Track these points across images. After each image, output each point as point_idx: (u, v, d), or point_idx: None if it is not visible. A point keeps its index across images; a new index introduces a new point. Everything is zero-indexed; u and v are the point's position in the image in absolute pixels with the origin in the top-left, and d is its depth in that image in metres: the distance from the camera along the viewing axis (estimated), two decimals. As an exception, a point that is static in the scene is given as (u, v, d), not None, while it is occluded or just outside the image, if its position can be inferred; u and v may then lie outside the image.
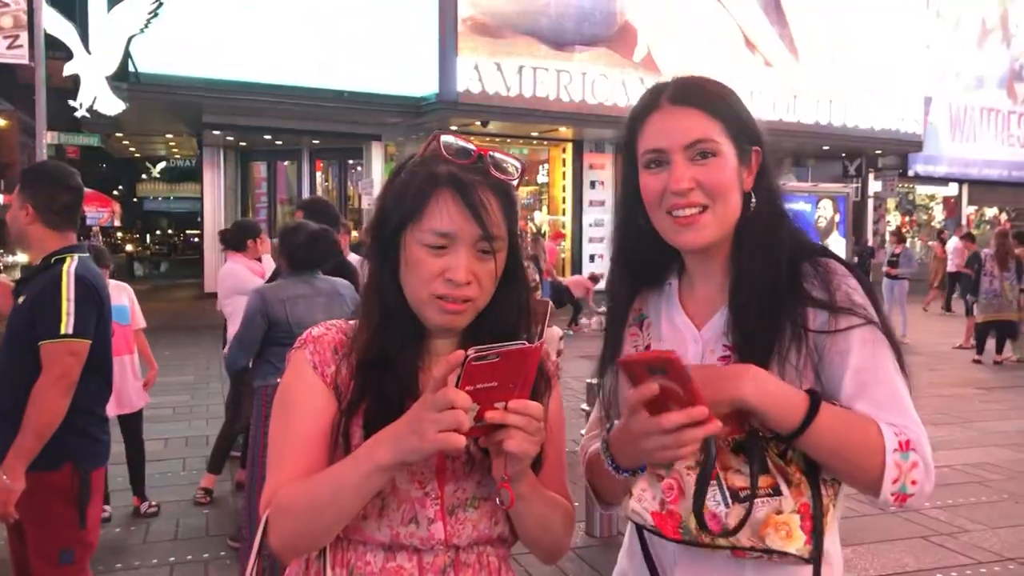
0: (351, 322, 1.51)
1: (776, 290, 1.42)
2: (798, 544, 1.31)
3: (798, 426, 1.31)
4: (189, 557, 4.89)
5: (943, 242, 20.61)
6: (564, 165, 21.14)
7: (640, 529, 1.52)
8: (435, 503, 1.38)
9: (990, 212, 28.69)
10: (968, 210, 28.04)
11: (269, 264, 6.21)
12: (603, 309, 1.91)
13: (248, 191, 20.95)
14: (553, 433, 1.47)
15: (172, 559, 4.86)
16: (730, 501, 1.33)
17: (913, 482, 1.34)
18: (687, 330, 1.54)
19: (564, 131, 19.75)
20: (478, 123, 17.87)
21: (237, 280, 5.94)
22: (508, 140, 20.30)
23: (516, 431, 1.24)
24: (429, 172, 1.40)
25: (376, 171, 18.63)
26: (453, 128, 18.51)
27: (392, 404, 1.37)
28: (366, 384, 1.40)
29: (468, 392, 1.19)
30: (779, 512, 1.32)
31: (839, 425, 1.33)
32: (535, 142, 20.78)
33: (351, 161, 20.26)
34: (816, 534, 1.32)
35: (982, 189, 27.44)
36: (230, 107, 16.33)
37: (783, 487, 1.33)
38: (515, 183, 1.45)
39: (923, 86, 23.71)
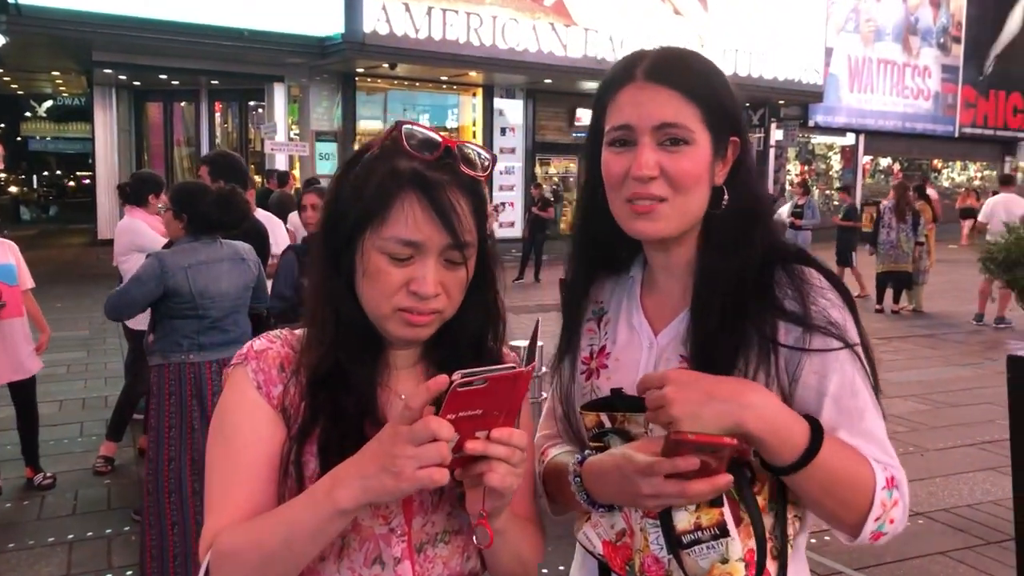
0: (297, 332, 1.33)
1: (742, 294, 1.29)
2: None
3: (796, 460, 1.20)
4: (90, 533, 4.62)
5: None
6: (474, 111, 20.82)
7: None
8: (401, 540, 1.24)
9: (884, 162, 29.60)
10: (864, 160, 28.89)
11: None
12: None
13: (143, 132, 20.02)
14: None
15: (71, 536, 4.59)
16: (673, 545, 1.24)
17: (891, 520, 1.26)
18: (643, 333, 1.42)
19: (474, 76, 19.43)
20: (385, 66, 17.44)
21: (137, 237, 5.60)
22: (417, 84, 19.90)
23: (498, 463, 1.09)
24: (390, 169, 1.22)
25: (279, 114, 18.02)
26: (359, 70, 18.04)
27: (350, 426, 1.22)
28: (319, 405, 1.24)
29: (449, 421, 1.04)
30: (724, 561, 1.21)
31: (837, 460, 1.22)
32: (444, 86, 20.39)
33: (252, 103, 19.54)
34: None
35: (877, 139, 28.24)
36: (122, 44, 15.48)
37: (731, 526, 1.22)
38: (484, 177, 1.28)
39: (825, 37, 24.15)
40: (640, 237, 1.36)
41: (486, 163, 1.27)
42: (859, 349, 1.29)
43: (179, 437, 3.87)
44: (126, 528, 4.69)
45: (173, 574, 3.80)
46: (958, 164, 31.02)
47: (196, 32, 15.46)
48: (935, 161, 30.41)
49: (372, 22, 16.40)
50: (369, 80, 19.02)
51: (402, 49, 16.89)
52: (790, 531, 1.29)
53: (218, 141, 19.48)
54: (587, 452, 1.36)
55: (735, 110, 1.34)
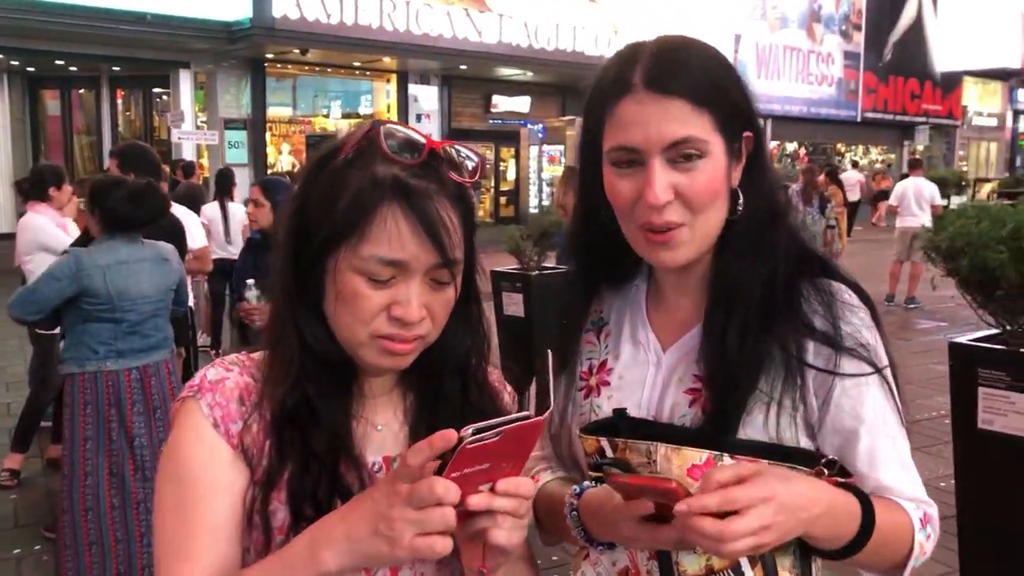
0: (256, 356, 1.16)
1: (769, 307, 1.18)
2: None
3: (847, 544, 1.11)
4: (-4, 554, 4.30)
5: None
6: (388, 97, 20.46)
7: None
8: None
9: (791, 147, 30.27)
10: (771, 144, 29.49)
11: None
12: None
13: (39, 122, 19.06)
14: None
15: (-25, 558, 4.26)
16: None
17: (924, 553, 1.21)
18: (650, 349, 1.29)
19: (388, 62, 19.08)
20: (296, 51, 16.97)
21: (39, 234, 5.25)
22: (329, 70, 19.46)
23: (504, 518, 0.95)
24: (368, 176, 1.06)
25: (185, 101, 17.32)
26: (269, 56, 17.53)
27: (323, 469, 1.07)
28: (286, 444, 1.08)
29: (453, 479, 0.90)
30: None
31: (885, 527, 1.14)
32: (357, 72, 19.98)
33: (156, 89, 18.77)
34: None
35: (784, 125, 28.78)
36: (14, 27, 14.60)
37: (745, 567, 1.14)
38: (472, 182, 1.13)
39: (733, 24, 24.53)
40: (661, 267, 1.24)
41: (474, 166, 1.12)
42: (888, 372, 1.20)
43: (96, 450, 3.62)
44: (36, 547, 4.38)
45: (92, 596, 3.56)
46: (860, 148, 31.93)
47: (95, 15, 14.70)
48: (839, 145, 31.23)
49: (282, 6, 15.90)
50: (279, 66, 18.50)
51: (313, 34, 16.42)
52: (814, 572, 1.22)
53: (121, 130, 18.69)
54: (586, 484, 1.24)
55: (747, 103, 1.21)
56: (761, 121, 1.25)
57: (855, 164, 26.26)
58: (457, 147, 1.12)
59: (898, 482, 1.20)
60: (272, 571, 1.00)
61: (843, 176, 21.10)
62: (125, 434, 3.65)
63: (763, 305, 1.18)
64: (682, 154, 1.14)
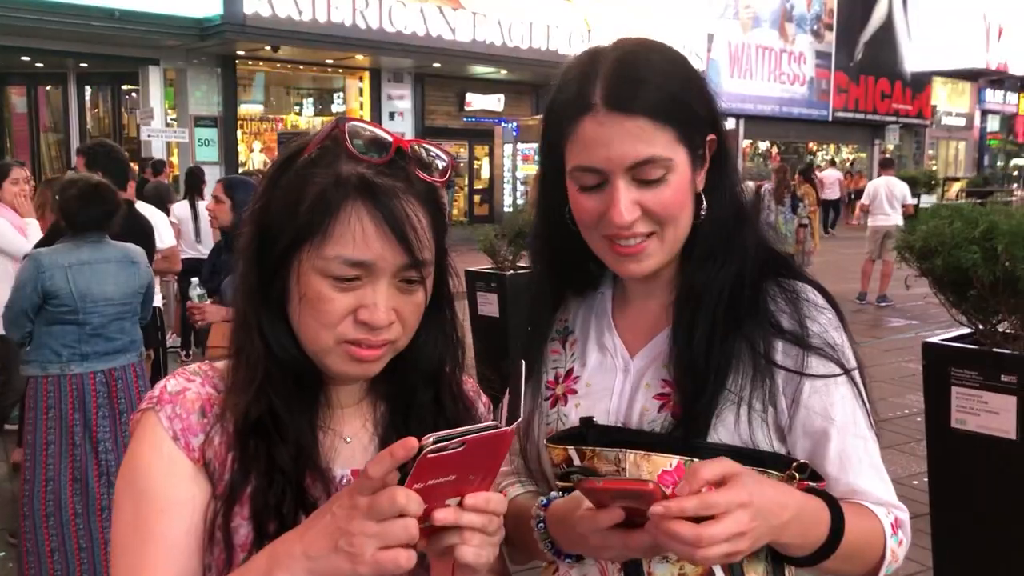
0: (219, 366, 1.12)
1: (736, 307, 1.16)
2: None
3: (816, 550, 1.10)
4: (-41, 561, 4.22)
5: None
6: (361, 95, 20.35)
7: None
8: None
9: (763, 145, 30.46)
10: (744, 143, 29.67)
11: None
12: None
13: (4, 118, 18.75)
14: None
15: (-63, 565, 4.18)
16: None
17: (896, 559, 1.20)
18: (618, 356, 1.26)
19: (361, 59, 18.97)
20: (268, 48, 16.82)
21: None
22: (301, 67, 19.32)
23: (472, 534, 0.91)
24: (332, 174, 1.02)
25: (155, 99, 17.12)
26: (240, 53, 17.36)
27: (288, 483, 1.02)
28: (250, 458, 1.03)
29: (416, 490, 0.86)
30: None
31: (855, 533, 1.12)
32: (330, 70, 19.85)
33: (125, 87, 18.54)
34: None
35: (756, 124, 28.95)
36: (-22, 23, 14.42)
37: (719, 573, 1.12)
38: (443, 182, 1.10)
39: (706, 23, 24.63)
40: (629, 277, 1.22)
41: (444, 166, 1.08)
42: (856, 374, 1.19)
43: (58, 455, 3.54)
44: (1, 553, 4.29)
45: (55, 604, 3.48)
46: (832, 147, 32.19)
47: (63, 11, 14.47)
48: (810, 144, 31.47)
49: (253, 3, 15.73)
50: (251, 63, 18.34)
51: (285, 31, 16.28)
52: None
53: (89, 128, 18.44)
54: (553, 494, 1.20)
55: (709, 108, 1.19)
56: (731, 121, 1.24)
57: (833, 163, 26.59)
58: (426, 146, 1.08)
59: (870, 486, 1.19)
60: None
61: (823, 175, 21.58)
62: (90, 439, 3.57)
63: (730, 306, 1.17)
64: (645, 173, 1.13)
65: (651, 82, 1.13)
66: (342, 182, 1.02)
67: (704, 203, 1.19)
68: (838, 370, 1.17)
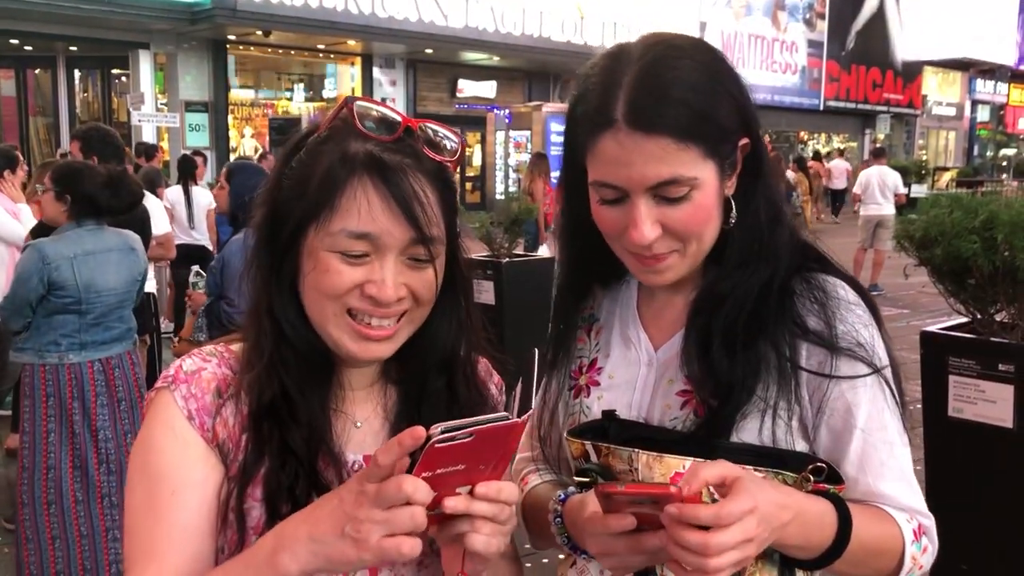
0: (235, 348, 1.12)
1: (759, 312, 1.14)
2: None
3: (822, 553, 1.08)
4: (-46, 547, 4.19)
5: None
6: (352, 81, 20.25)
7: None
8: None
9: (755, 134, 30.46)
10: (736, 132, 29.60)
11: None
12: None
13: (-8, 103, 18.60)
14: None
15: (-67, 552, 4.15)
16: None
17: (920, 567, 1.17)
18: (642, 349, 1.25)
19: (352, 44, 18.87)
20: (259, 33, 16.72)
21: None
22: (292, 52, 19.19)
23: (483, 523, 0.92)
24: (340, 152, 1.04)
25: (145, 83, 17.00)
26: (231, 37, 17.24)
27: (301, 466, 1.03)
28: (263, 439, 1.04)
29: (425, 479, 0.86)
30: None
31: (864, 534, 1.10)
32: (321, 55, 19.74)
33: (115, 71, 18.40)
34: None
35: (749, 112, 28.99)
36: (-34, 5, 14.26)
37: None
38: (453, 163, 1.10)
39: (698, 11, 24.59)
40: (652, 286, 1.22)
41: (454, 146, 1.09)
42: (888, 372, 1.16)
43: (59, 442, 3.53)
44: (-3, 540, 4.28)
45: (55, 591, 3.48)
46: (823, 136, 32.21)
47: (52, -6, 14.38)
48: (802, 133, 31.49)
49: (244, -14, 15.66)
50: (241, 48, 18.22)
51: (276, 15, 16.17)
52: None
53: (78, 112, 18.30)
54: (570, 490, 1.20)
55: (740, 115, 1.13)
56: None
57: (841, 153, 26.76)
58: (435, 126, 1.09)
59: (892, 490, 1.16)
60: (235, 572, 0.97)
61: (831, 165, 21.80)
62: (89, 427, 3.56)
63: (754, 311, 1.15)
64: (668, 192, 1.10)
65: (677, 98, 1.08)
66: (349, 158, 1.03)
67: (733, 209, 1.16)
68: (865, 370, 1.14)
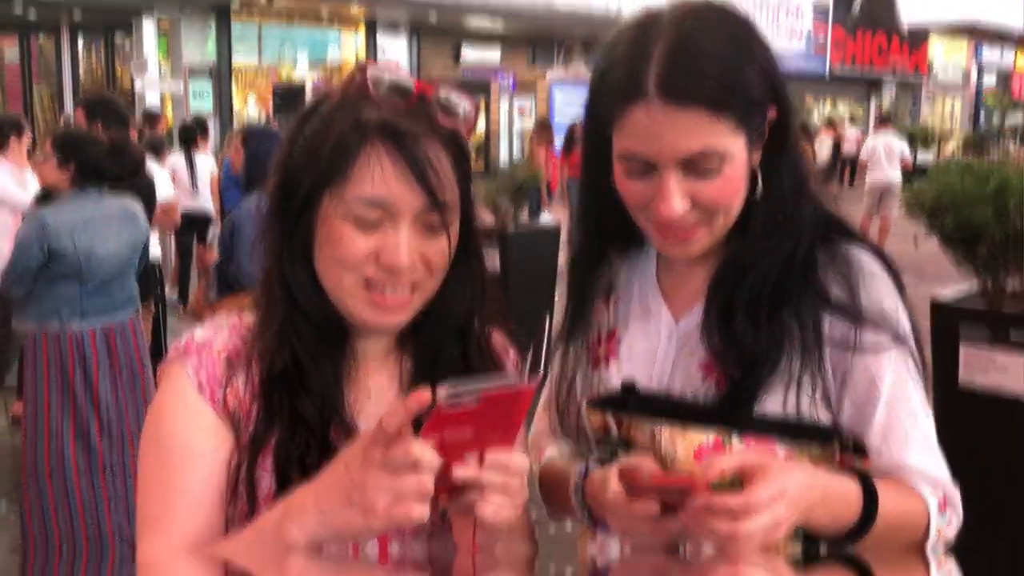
0: (248, 319, 1.11)
1: (783, 283, 1.13)
2: None
3: (850, 531, 1.07)
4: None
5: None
6: (356, 47, 20.12)
7: None
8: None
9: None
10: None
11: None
12: None
13: (-5, 69, 18.54)
14: None
15: (-63, 520, 4.15)
16: None
17: (946, 539, 1.16)
18: (662, 321, 1.23)
19: (356, 11, 18.71)
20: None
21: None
22: (296, 18, 19.05)
23: (493, 492, 0.90)
24: (353, 119, 1.02)
25: (148, 49, 16.90)
26: (234, 4, 17.09)
27: (312, 435, 1.02)
28: (274, 408, 1.03)
29: (433, 445, 0.85)
30: None
31: (892, 513, 1.09)
32: (324, 22, 19.58)
33: (119, 38, 18.29)
34: None
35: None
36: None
37: None
38: (467, 129, 1.09)
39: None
40: (674, 258, 1.20)
41: (468, 112, 1.07)
42: (911, 342, 1.15)
43: (60, 411, 3.53)
44: (2, 509, 4.28)
45: (59, 559, 3.50)
46: (828, 102, 31.99)
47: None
48: (807, 99, 31.26)
49: (246, -48, 15.53)
50: (244, 14, 18.08)
51: (279, -19, 16.08)
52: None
53: (82, 79, 18.21)
54: (592, 464, 1.18)
55: (769, 84, 1.11)
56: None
57: (852, 120, 26.76)
58: (449, 93, 1.07)
59: (917, 461, 1.14)
60: (244, 542, 0.98)
61: (844, 132, 21.87)
62: (91, 396, 3.56)
63: (778, 283, 1.13)
64: (698, 165, 1.08)
65: (709, 69, 1.05)
66: (362, 125, 1.02)
67: (760, 181, 1.14)
68: (889, 341, 1.13)
